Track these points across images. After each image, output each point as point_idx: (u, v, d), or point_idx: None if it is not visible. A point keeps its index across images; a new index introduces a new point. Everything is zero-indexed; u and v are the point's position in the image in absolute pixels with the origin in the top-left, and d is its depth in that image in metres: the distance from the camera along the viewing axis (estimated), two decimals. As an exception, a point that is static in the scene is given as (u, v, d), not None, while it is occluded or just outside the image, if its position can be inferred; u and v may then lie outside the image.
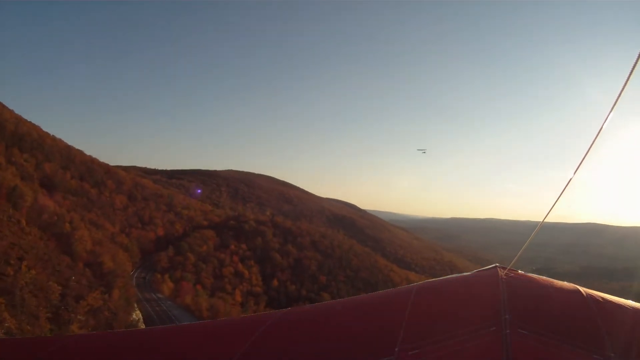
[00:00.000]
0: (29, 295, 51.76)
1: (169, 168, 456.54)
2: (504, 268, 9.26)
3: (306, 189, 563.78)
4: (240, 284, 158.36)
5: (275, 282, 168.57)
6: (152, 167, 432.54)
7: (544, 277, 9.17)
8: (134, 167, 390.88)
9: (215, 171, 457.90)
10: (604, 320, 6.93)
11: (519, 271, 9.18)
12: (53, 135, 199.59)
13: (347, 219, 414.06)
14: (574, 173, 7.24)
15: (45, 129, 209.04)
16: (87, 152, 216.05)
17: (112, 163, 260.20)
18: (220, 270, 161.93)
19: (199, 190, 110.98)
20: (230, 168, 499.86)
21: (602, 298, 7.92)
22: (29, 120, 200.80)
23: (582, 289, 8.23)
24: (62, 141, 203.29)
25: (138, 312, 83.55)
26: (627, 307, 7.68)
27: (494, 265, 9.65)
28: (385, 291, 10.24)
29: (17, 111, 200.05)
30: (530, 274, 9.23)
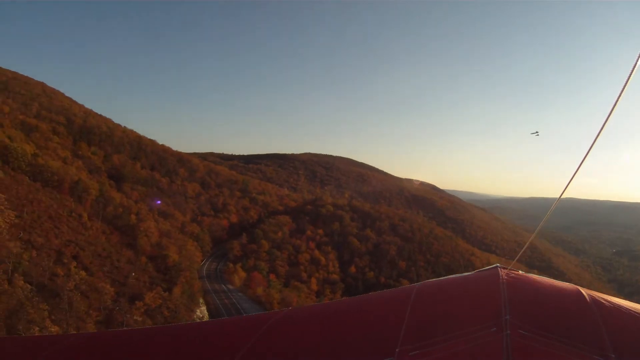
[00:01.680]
0: (79, 297, 48.90)
1: (246, 153, 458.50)
2: (504, 268, 8.99)
3: (385, 170, 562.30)
4: (317, 271, 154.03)
5: (353, 269, 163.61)
6: (229, 153, 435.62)
7: (545, 278, 8.94)
8: (211, 154, 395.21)
9: (292, 154, 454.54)
10: (605, 321, 6.82)
11: (520, 272, 8.92)
12: (124, 127, 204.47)
13: (427, 200, 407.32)
14: (579, 166, 7.59)
15: (117, 121, 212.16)
16: (160, 142, 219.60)
17: (188, 151, 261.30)
18: (295, 257, 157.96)
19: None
20: (307, 151, 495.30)
21: (603, 298, 7.76)
22: (99, 114, 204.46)
23: (583, 290, 8.01)
24: (134, 132, 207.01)
25: (203, 307, 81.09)
26: (627, 308, 7.49)
27: (494, 265, 9.31)
28: (386, 291, 10.30)
29: (88, 106, 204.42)
30: (530, 274, 8.79)
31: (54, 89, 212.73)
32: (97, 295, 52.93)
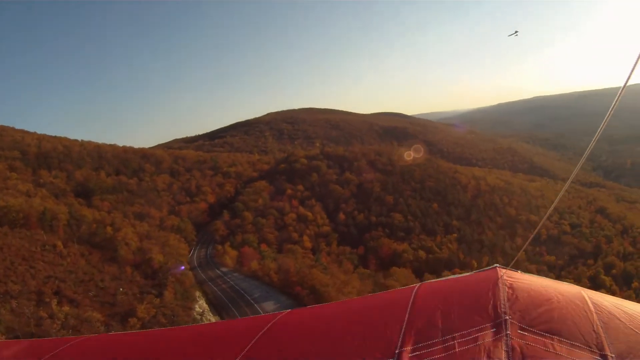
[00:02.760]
0: (67, 334, 46.89)
1: (210, 130, 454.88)
2: (503, 268, 8.29)
3: (351, 110, 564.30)
4: (307, 228, 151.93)
5: (341, 216, 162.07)
6: (193, 135, 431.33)
7: (545, 278, 8.30)
8: (175, 141, 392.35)
9: (255, 119, 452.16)
10: (605, 321, 6.39)
11: (519, 271, 8.24)
12: (81, 141, 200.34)
13: (398, 130, 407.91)
14: (574, 173, 7.38)
15: (73, 137, 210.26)
16: (121, 144, 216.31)
17: (152, 144, 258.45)
18: (282, 220, 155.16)
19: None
20: (270, 111, 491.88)
21: (603, 298, 7.19)
22: (54, 135, 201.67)
23: (583, 290, 7.38)
24: (92, 143, 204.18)
25: (202, 301, 78.86)
26: (627, 308, 6.83)
27: (493, 265, 8.55)
28: (385, 292, 9.84)
29: (40, 131, 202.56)
30: (530, 274, 8.08)
31: (3, 126, 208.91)
32: (88, 326, 50.98)
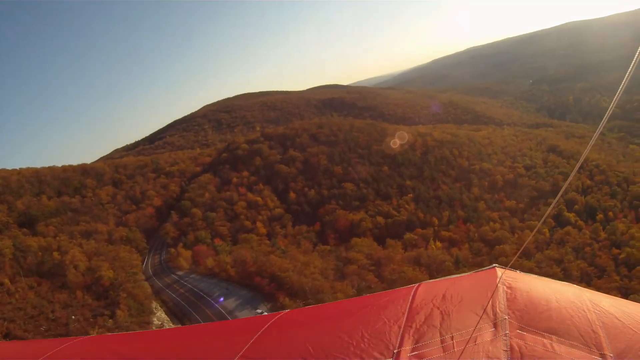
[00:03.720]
0: None
1: (149, 133, 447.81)
2: (502, 268, 8.52)
3: (286, 89, 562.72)
4: (258, 214, 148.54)
5: (292, 195, 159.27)
6: (133, 142, 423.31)
7: (543, 277, 8.62)
8: (116, 151, 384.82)
9: (192, 114, 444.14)
10: (604, 321, 6.72)
11: (518, 271, 8.50)
12: (19, 169, 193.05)
13: (335, 100, 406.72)
14: (571, 176, 8.33)
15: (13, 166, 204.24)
16: (60, 164, 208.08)
17: (95, 158, 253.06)
18: (232, 211, 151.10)
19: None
20: (206, 104, 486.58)
21: (602, 298, 7.59)
22: None
23: (581, 289, 7.85)
24: (30, 168, 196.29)
25: (160, 313, 76.35)
26: (627, 307, 7.31)
27: (492, 265, 8.74)
28: (384, 292, 9.43)
29: None
30: (529, 274, 8.43)
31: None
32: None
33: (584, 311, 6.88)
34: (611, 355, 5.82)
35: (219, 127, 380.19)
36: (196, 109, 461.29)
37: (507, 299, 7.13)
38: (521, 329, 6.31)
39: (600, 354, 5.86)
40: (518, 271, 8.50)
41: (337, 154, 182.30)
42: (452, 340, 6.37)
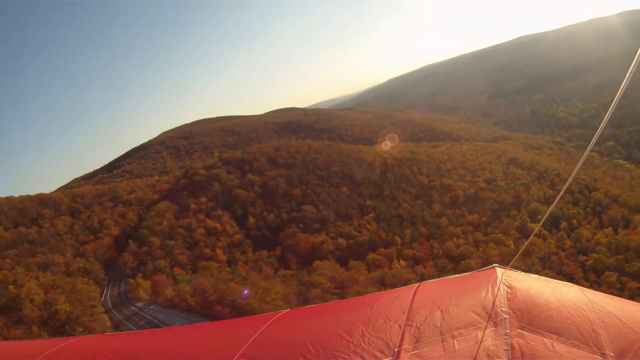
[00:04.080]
0: None
1: (107, 162, 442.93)
2: (503, 267, 8.70)
3: (244, 113, 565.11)
4: (218, 240, 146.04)
5: (251, 220, 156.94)
6: (91, 170, 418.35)
7: (544, 277, 8.73)
8: (75, 180, 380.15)
9: (150, 141, 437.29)
10: (604, 320, 6.83)
11: (518, 271, 8.64)
12: None
13: (293, 123, 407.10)
14: (573, 175, 8.05)
15: None
16: (18, 194, 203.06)
17: (53, 189, 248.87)
18: (191, 238, 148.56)
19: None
20: (163, 131, 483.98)
21: (603, 297, 7.74)
22: None
23: (582, 289, 7.98)
24: None
25: None
26: (628, 307, 7.40)
27: (492, 265, 8.95)
28: (384, 292, 9.52)
29: None
30: (529, 274, 8.59)
31: None
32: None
33: (585, 310, 6.99)
34: (612, 354, 5.89)
35: (178, 154, 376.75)
36: (154, 136, 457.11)
37: (508, 299, 7.28)
38: (522, 328, 6.42)
39: (601, 353, 5.92)
40: (518, 271, 8.63)
41: (296, 176, 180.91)
42: (453, 339, 6.45)
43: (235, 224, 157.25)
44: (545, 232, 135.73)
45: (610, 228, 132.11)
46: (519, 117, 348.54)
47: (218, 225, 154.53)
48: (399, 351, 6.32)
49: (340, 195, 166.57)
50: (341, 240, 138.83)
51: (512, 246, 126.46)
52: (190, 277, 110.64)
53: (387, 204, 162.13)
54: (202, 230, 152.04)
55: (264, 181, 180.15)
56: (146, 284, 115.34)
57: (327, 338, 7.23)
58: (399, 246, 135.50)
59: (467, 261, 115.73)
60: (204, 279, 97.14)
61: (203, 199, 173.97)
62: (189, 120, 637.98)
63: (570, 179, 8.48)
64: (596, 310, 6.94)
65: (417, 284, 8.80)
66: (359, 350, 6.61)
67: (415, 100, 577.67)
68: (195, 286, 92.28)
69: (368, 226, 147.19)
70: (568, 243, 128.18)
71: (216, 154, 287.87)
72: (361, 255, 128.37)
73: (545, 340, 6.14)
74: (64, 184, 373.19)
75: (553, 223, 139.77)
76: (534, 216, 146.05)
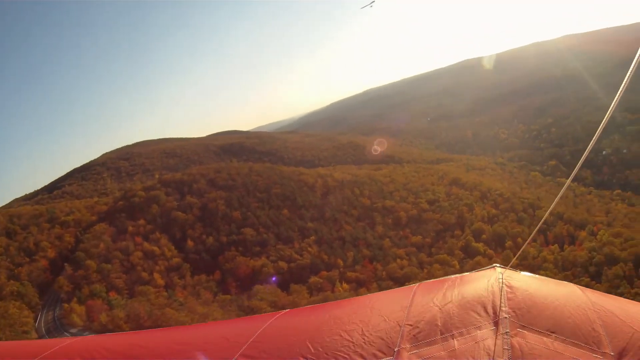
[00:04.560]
0: None
1: (48, 182, 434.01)
2: (503, 267, 9.08)
3: (186, 136, 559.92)
4: (156, 264, 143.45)
5: (190, 244, 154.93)
6: (32, 191, 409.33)
7: (543, 277, 9.22)
8: (15, 201, 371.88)
9: (91, 162, 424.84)
10: (604, 320, 6.95)
11: (518, 271, 8.93)
12: None
13: (235, 146, 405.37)
14: (570, 178, 8.76)
15: None
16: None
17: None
18: (128, 261, 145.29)
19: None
20: (104, 152, 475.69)
21: (603, 297, 7.96)
22: None
23: (581, 288, 8.16)
24: None
25: None
26: (628, 306, 7.60)
27: (492, 265, 9.32)
28: (385, 291, 10.80)
29: None
30: (529, 274, 8.85)
31: None
32: None
33: (584, 310, 7.13)
34: (612, 353, 6.01)
35: (119, 176, 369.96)
36: (96, 157, 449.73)
37: (508, 298, 7.37)
38: (522, 327, 6.52)
39: (601, 352, 6.04)
40: (518, 270, 8.92)
41: (236, 198, 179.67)
42: (453, 338, 6.53)
43: (173, 247, 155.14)
44: (490, 251, 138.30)
45: (556, 245, 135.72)
46: (461, 140, 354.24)
47: (156, 248, 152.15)
48: (399, 350, 6.42)
49: (280, 218, 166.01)
50: (282, 264, 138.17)
51: (457, 266, 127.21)
52: (126, 302, 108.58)
53: (329, 227, 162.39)
54: (139, 254, 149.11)
55: (204, 203, 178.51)
56: (81, 309, 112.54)
57: (327, 337, 7.32)
58: (341, 269, 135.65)
59: (411, 282, 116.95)
60: (139, 304, 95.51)
61: (141, 222, 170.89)
62: (130, 142, 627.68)
63: (566, 185, 9.35)
64: (596, 310, 7.11)
65: (417, 284, 9.03)
66: (359, 350, 6.71)
67: (358, 123, 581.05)
68: (129, 312, 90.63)
69: (309, 249, 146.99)
70: (515, 262, 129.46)
71: (157, 176, 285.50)
72: (303, 278, 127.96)
73: (545, 339, 6.25)
74: (3, 204, 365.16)
75: (498, 242, 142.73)
76: (478, 236, 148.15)
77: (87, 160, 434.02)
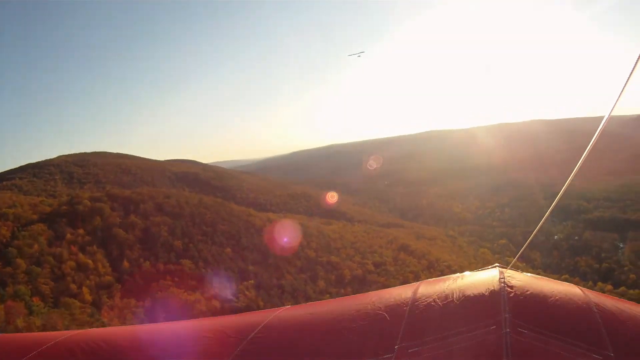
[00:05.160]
0: None
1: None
2: (504, 268, 9.10)
3: (145, 155, 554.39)
4: (87, 278, 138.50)
5: (125, 264, 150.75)
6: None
7: (544, 277, 9.22)
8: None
9: (46, 161, 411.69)
10: (604, 320, 7.07)
11: (519, 271, 9.06)
12: None
13: (190, 175, 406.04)
14: (567, 183, 8.98)
15: None
16: None
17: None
18: (59, 269, 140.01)
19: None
20: (61, 154, 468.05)
21: (603, 297, 8.04)
22: None
23: (582, 289, 8.28)
24: None
25: None
26: (627, 307, 7.71)
27: (494, 265, 9.36)
28: (386, 290, 10.10)
29: None
30: (529, 274, 9.05)
31: None
32: None
33: (585, 310, 7.27)
34: (611, 354, 6.12)
35: (70, 181, 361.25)
36: (51, 157, 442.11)
37: (509, 298, 7.38)
38: (522, 327, 6.52)
39: (601, 352, 6.15)
40: (519, 271, 9.03)
41: (180, 227, 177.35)
42: (453, 337, 6.59)
43: (108, 264, 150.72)
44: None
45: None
46: (415, 207, 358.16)
47: (90, 261, 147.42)
48: (399, 348, 6.54)
49: (222, 256, 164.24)
50: (215, 302, 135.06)
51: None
52: (48, 311, 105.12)
53: (270, 273, 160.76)
54: (72, 264, 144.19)
55: (147, 226, 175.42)
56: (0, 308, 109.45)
57: (327, 334, 7.55)
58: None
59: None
60: (59, 316, 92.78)
61: (81, 231, 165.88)
62: (88, 149, 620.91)
63: (566, 185, 9.47)
64: (596, 310, 7.26)
65: (418, 283, 9.17)
66: (359, 347, 6.90)
67: (317, 176, 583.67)
68: (47, 322, 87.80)
69: (247, 292, 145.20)
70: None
71: (107, 189, 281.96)
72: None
73: (546, 339, 6.33)
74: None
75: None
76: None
77: (43, 159, 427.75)
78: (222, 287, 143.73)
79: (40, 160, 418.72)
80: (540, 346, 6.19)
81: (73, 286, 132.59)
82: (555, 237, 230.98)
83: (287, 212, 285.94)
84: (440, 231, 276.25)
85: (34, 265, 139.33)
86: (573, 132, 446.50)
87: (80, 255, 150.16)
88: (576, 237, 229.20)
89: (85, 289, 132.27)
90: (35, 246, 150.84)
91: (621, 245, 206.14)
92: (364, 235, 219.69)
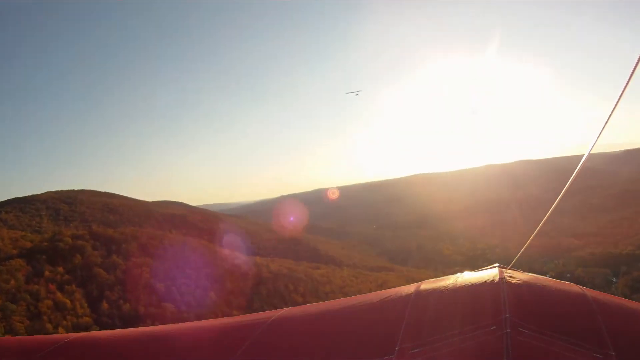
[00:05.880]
0: None
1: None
2: (504, 267, 9.11)
3: (133, 195, 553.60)
4: (64, 318, 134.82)
5: (105, 305, 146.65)
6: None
7: (545, 277, 9.24)
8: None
9: (33, 196, 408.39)
10: (605, 319, 7.00)
11: (520, 271, 8.99)
12: None
13: (177, 217, 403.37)
14: (565, 188, 9.06)
15: None
16: None
17: None
18: (36, 307, 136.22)
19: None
20: (49, 190, 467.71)
21: (604, 297, 8.07)
22: None
23: (583, 289, 8.29)
24: None
25: None
26: (629, 306, 7.79)
27: (494, 265, 9.25)
28: (386, 290, 9.75)
29: None
30: (530, 274, 8.92)
31: None
32: None
33: (587, 310, 7.12)
34: (613, 353, 5.97)
35: (56, 217, 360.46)
36: (39, 192, 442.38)
37: (509, 298, 7.21)
38: (523, 327, 6.34)
39: (602, 352, 6.00)
40: (520, 270, 8.80)
41: (163, 270, 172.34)
42: (454, 338, 6.43)
43: (87, 305, 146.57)
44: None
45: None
46: (404, 250, 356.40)
47: (68, 301, 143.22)
48: (399, 349, 6.29)
49: (206, 300, 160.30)
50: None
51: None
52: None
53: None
54: (49, 302, 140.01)
55: (129, 267, 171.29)
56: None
57: (328, 336, 7.36)
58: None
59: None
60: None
61: (60, 269, 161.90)
62: (76, 187, 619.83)
63: (575, 173, 9.55)
64: (599, 310, 7.02)
65: (418, 283, 8.82)
66: (360, 348, 6.67)
67: (303, 219, 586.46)
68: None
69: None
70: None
71: (92, 227, 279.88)
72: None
73: (547, 339, 6.09)
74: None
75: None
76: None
77: (31, 194, 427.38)
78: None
79: (27, 195, 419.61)
80: (541, 346, 5.96)
81: (49, 326, 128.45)
82: (547, 275, 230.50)
83: (274, 257, 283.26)
84: (430, 274, 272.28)
85: (9, 301, 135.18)
86: (560, 171, 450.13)
87: (58, 294, 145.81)
88: (568, 275, 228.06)
89: (61, 330, 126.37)
90: (12, 282, 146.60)
91: (614, 280, 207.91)
92: (353, 280, 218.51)
